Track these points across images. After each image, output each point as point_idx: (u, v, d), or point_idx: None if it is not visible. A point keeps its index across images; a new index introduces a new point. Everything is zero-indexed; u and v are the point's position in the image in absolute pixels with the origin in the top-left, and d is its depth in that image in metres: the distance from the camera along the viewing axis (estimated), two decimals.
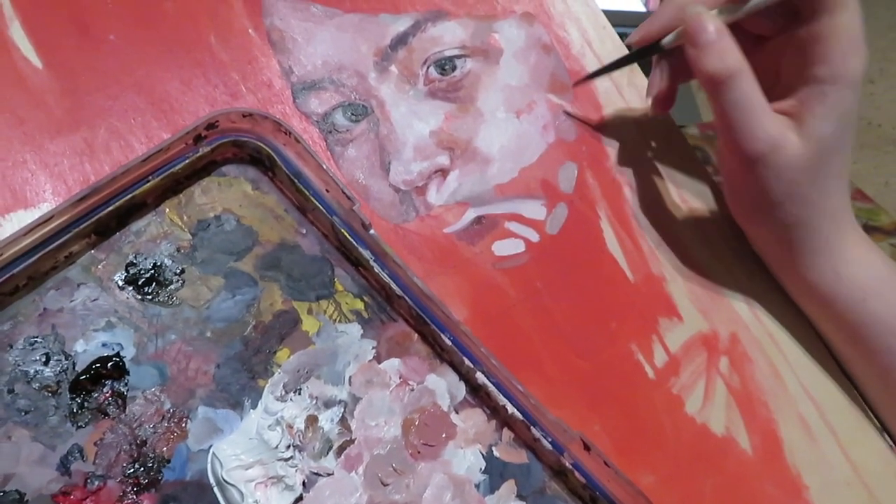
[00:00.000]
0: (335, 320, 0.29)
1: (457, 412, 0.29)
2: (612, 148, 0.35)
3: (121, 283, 0.28)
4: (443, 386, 0.29)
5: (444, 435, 0.28)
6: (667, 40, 0.31)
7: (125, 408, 0.26)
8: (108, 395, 0.26)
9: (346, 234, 0.29)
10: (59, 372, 0.26)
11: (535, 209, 0.33)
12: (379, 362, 0.29)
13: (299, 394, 0.28)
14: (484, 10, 0.36)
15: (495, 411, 0.29)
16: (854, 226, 0.31)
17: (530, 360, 0.31)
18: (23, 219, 0.27)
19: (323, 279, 0.30)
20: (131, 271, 0.28)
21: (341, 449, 0.28)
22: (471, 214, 0.32)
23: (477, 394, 0.29)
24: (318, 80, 0.33)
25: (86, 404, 0.26)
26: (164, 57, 0.31)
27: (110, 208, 0.27)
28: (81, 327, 0.27)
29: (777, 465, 0.31)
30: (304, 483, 0.27)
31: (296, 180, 0.29)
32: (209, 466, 0.26)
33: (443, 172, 0.33)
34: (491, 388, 0.28)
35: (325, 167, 0.29)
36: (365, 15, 0.34)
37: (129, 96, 0.30)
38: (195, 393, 0.27)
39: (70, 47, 0.30)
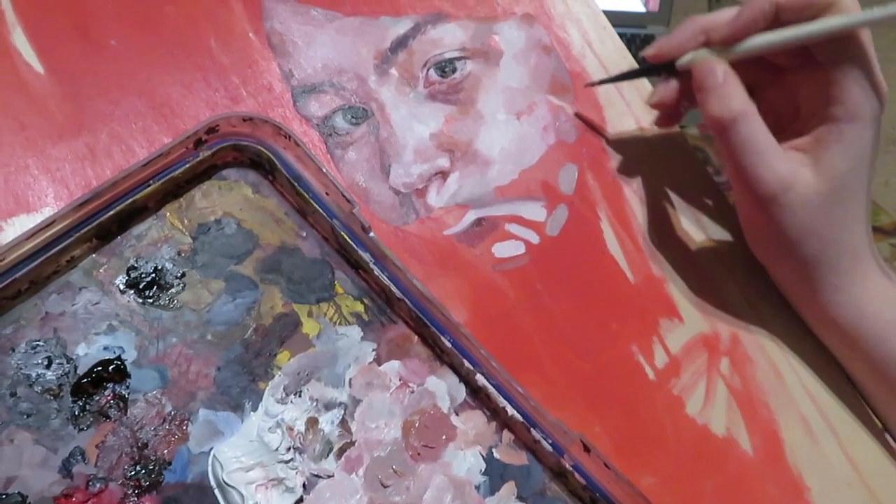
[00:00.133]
0: (335, 323, 0.29)
1: (457, 414, 0.29)
2: (612, 149, 0.35)
3: (122, 287, 0.28)
4: (443, 388, 0.29)
5: (444, 437, 0.28)
6: (681, 61, 0.31)
7: (126, 410, 0.27)
8: (109, 398, 0.27)
9: (346, 236, 0.29)
10: (61, 375, 0.26)
11: (535, 211, 0.33)
12: (379, 364, 0.29)
13: (300, 396, 0.28)
14: (484, 11, 0.36)
15: (495, 413, 0.29)
16: (876, 261, 0.31)
17: (530, 362, 0.31)
18: (25, 223, 0.28)
19: (323, 282, 0.30)
20: (132, 275, 0.28)
21: (342, 451, 0.28)
22: (471, 216, 0.33)
23: (477, 396, 0.29)
24: (318, 84, 0.33)
25: (87, 407, 0.26)
26: (165, 61, 0.31)
27: (112, 212, 0.28)
28: (83, 331, 0.27)
29: (778, 465, 0.31)
30: (304, 485, 0.27)
31: (296, 184, 0.30)
32: (210, 469, 0.26)
33: (443, 175, 0.33)
34: (491, 389, 0.29)
35: (325, 170, 0.29)
36: (365, 18, 0.34)
37: (130, 101, 0.30)
38: (196, 396, 0.27)
39: (71, 52, 0.30)
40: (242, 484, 0.26)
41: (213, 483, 0.26)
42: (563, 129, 0.35)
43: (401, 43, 0.34)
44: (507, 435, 0.29)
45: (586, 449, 0.28)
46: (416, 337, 0.30)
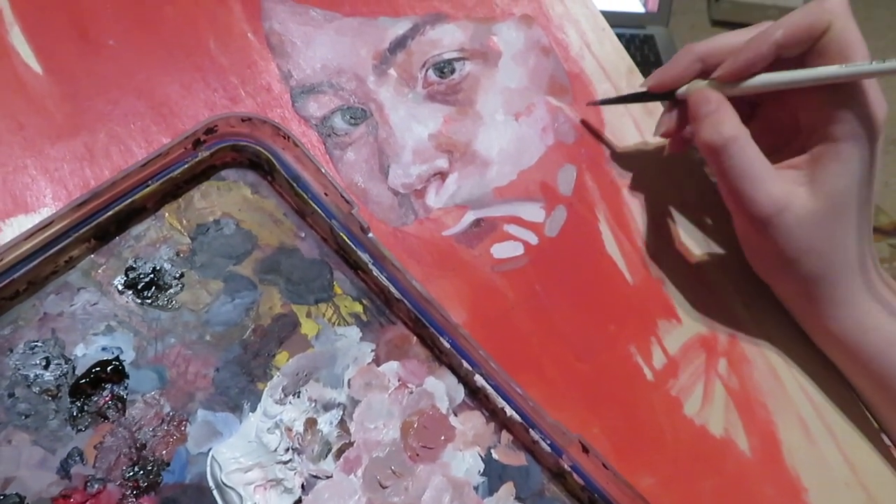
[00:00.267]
0: (334, 323, 0.29)
1: (455, 415, 0.29)
2: (610, 150, 0.35)
3: (120, 288, 0.28)
4: (441, 388, 0.29)
5: (442, 437, 0.28)
6: (680, 91, 0.31)
7: (125, 411, 0.26)
8: (107, 398, 0.26)
9: (344, 237, 0.29)
10: (59, 376, 0.26)
11: (533, 212, 0.33)
12: (378, 365, 0.29)
13: (298, 397, 0.28)
14: (483, 12, 0.36)
15: (494, 414, 0.29)
16: (876, 275, 0.31)
17: (529, 363, 0.31)
18: (23, 224, 0.28)
19: (322, 282, 0.30)
20: (131, 275, 0.28)
21: (340, 452, 0.28)
22: (470, 217, 0.33)
23: (476, 396, 0.29)
24: (316, 84, 0.33)
25: (86, 408, 0.26)
26: (164, 61, 0.31)
27: (110, 213, 0.28)
28: (81, 331, 0.27)
29: (776, 466, 0.31)
30: (303, 486, 0.27)
31: (295, 184, 0.30)
32: (208, 469, 0.26)
33: (442, 175, 0.33)
34: (490, 390, 0.29)
35: (323, 171, 0.29)
36: (364, 18, 0.34)
37: (128, 101, 0.30)
38: (194, 396, 0.27)
39: (70, 52, 0.30)
40: (241, 485, 0.26)
41: (211, 484, 0.26)
42: (561, 130, 0.35)
43: (399, 43, 0.34)
44: (505, 436, 0.29)
45: (585, 450, 0.28)
46: (415, 338, 0.30)
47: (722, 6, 1.22)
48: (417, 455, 0.28)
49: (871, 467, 0.32)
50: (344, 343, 0.29)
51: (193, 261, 0.29)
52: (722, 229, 0.35)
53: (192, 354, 0.28)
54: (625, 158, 0.35)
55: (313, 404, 0.28)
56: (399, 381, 0.29)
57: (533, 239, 0.33)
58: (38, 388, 0.26)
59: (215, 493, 0.26)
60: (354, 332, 0.29)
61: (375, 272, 0.29)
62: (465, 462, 0.28)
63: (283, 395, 0.28)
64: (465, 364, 0.29)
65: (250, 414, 0.27)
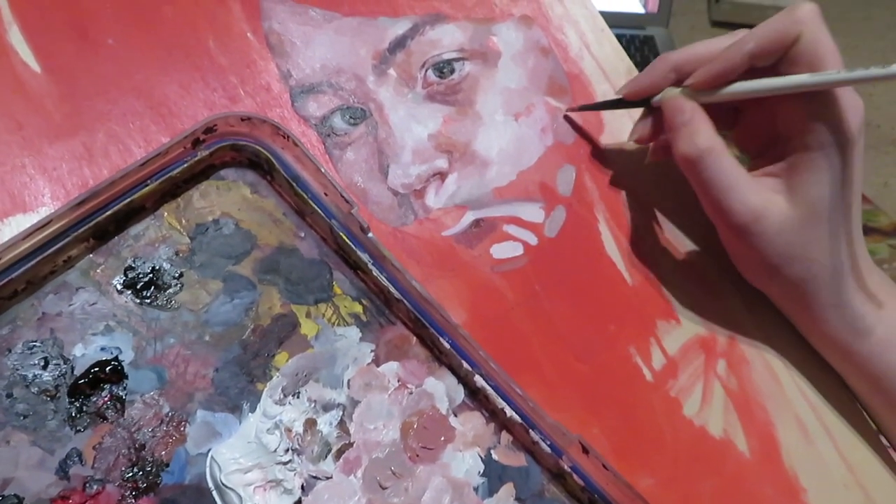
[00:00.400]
0: (334, 324, 0.29)
1: (455, 415, 0.29)
2: (610, 150, 0.35)
3: (119, 287, 0.28)
4: (441, 389, 0.29)
5: (442, 438, 0.28)
6: (655, 99, 0.32)
7: (124, 412, 0.26)
8: (106, 399, 0.26)
9: (344, 237, 0.29)
10: (58, 376, 0.26)
11: (533, 212, 0.33)
12: (377, 366, 0.29)
13: (298, 397, 0.28)
14: (482, 13, 0.36)
15: (494, 414, 0.29)
16: (869, 276, 0.31)
17: (529, 363, 0.31)
18: (21, 223, 0.27)
19: (321, 283, 0.30)
20: (130, 275, 0.28)
21: (340, 452, 0.28)
22: (469, 217, 0.33)
23: (475, 397, 0.29)
24: (316, 84, 0.33)
25: (84, 408, 0.26)
26: (163, 61, 0.31)
27: (109, 212, 0.28)
28: (80, 331, 0.27)
29: (774, 467, 0.31)
30: (302, 487, 0.27)
31: (294, 184, 0.29)
32: (208, 470, 0.26)
33: (441, 175, 0.33)
34: (489, 391, 0.29)
35: (323, 171, 0.29)
36: (363, 18, 0.34)
37: (127, 100, 0.30)
38: (194, 397, 0.27)
39: (69, 51, 0.30)
40: (240, 485, 0.26)
41: (210, 485, 0.26)
42: (560, 131, 0.35)
43: (399, 43, 0.34)
44: (505, 436, 0.29)
45: (585, 450, 0.28)
46: (415, 338, 0.30)
47: (722, 7, 1.23)
48: (417, 456, 0.28)
49: (869, 468, 0.32)
50: (343, 343, 0.29)
51: (193, 260, 0.29)
52: None
53: (191, 354, 0.28)
54: (624, 159, 0.35)
55: (313, 405, 0.28)
56: (399, 381, 0.29)
57: (532, 239, 0.33)
58: (36, 389, 0.26)
59: (215, 493, 0.26)
60: (354, 332, 0.29)
61: (375, 272, 0.29)
62: (464, 463, 0.28)
63: (282, 396, 0.28)
64: (465, 364, 0.29)
65: (250, 414, 0.27)
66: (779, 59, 0.28)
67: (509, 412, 0.28)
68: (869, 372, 0.31)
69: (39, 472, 0.25)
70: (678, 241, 0.34)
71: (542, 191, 0.34)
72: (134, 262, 0.28)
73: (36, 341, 0.26)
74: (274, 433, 0.27)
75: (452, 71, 0.34)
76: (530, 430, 0.28)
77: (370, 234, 0.29)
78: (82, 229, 0.27)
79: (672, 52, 0.31)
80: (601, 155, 0.35)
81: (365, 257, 0.29)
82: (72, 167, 0.29)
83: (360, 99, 0.33)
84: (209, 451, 0.26)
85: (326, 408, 0.28)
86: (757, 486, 0.31)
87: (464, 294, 0.31)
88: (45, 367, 0.26)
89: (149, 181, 0.28)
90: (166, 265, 0.29)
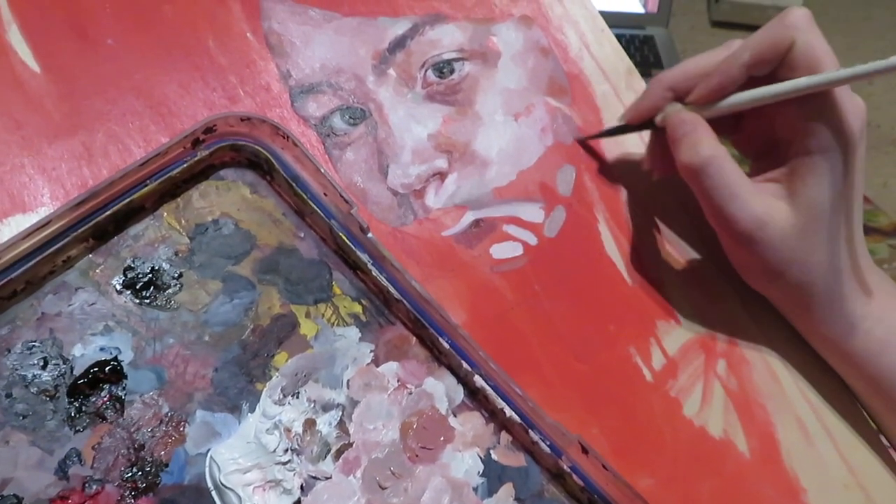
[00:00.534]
0: (333, 324, 0.29)
1: (455, 415, 0.29)
2: (609, 151, 0.35)
3: (119, 287, 0.28)
4: (441, 389, 0.29)
5: (442, 438, 0.28)
6: (658, 118, 0.32)
7: (123, 412, 0.26)
8: (105, 399, 0.26)
9: (344, 237, 0.29)
10: (57, 376, 0.26)
11: (533, 212, 0.33)
12: (377, 366, 0.29)
13: (297, 397, 0.28)
14: (482, 13, 0.36)
15: (493, 414, 0.29)
16: (870, 278, 0.31)
17: (528, 364, 0.31)
18: (21, 223, 0.27)
19: (321, 283, 0.30)
20: (129, 275, 0.28)
21: (339, 452, 0.28)
22: (469, 217, 0.33)
23: (475, 397, 0.29)
24: (316, 84, 0.33)
25: (84, 408, 0.26)
26: (163, 61, 0.31)
27: (108, 212, 0.27)
28: (79, 331, 0.27)
29: (774, 467, 0.31)
30: (302, 487, 0.27)
31: (294, 184, 0.29)
32: (207, 470, 0.26)
33: (441, 175, 0.33)
34: (489, 391, 0.29)
35: (323, 171, 0.29)
36: (363, 18, 0.34)
37: (127, 100, 0.30)
38: (193, 397, 0.27)
39: (68, 51, 0.30)
40: (240, 486, 0.26)
41: (210, 485, 0.26)
42: (560, 131, 0.35)
43: (399, 43, 0.34)
44: (505, 436, 0.29)
45: (584, 450, 0.28)
46: (415, 338, 0.30)
47: (721, 7, 1.23)
48: (417, 456, 0.28)
49: (869, 468, 0.32)
50: (343, 343, 0.29)
51: (192, 261, 0.29)
52: None
53: (190, 355, 0.28)
54: (624, 159, 0.35)
55: (312, 405, 0.28)
56: (398, 381, 0.29)
57: (532, 239, 0.33)
58: (35, 389, 0.26)
59: (214, 493, 0.26)
60: (353, 332, 0.29)
61: (375, 272, 0.29)
62: (464, 463, 0.28)
63: (282, 396, 0.28)
64: (465, 365, 0.29)
65: (249, 414, 0.27)
66: (776, 66, 0.28)
67: (509, 412, 0.28)
68: (868, 373, 0.31)
69: (38, 473, 0.25)
70: (678, 242, 0.34)
71: (541, 191, 0.34)
72: (133, 262, 0.28)
73: (35, 341, 0.26)
74: (273, 433, 0.27)
75: (452, 71, 0.34)
76: (530, 431, 0.28)
77: (370, 235, 0.29)
78: (82, 229, 0.27)
79: (665, 73, 0.31)
80: (601, 155, 0.35)
81: (364, 257, 0.29)
82: (71, 167, 0.29)
83: (359, 99, 0.33)
84: (208, 451, 0.26)
85: (326, 408, 0.28)
86: (757, 487, 0.30)
87: (463, 294, 0.31)
88: (44, 367, 0.26)
89: (148, 181, 0.28)
90: (166, 265, 0.29)
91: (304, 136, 0.32)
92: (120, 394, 0.27)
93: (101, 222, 0.28)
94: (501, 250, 0.32)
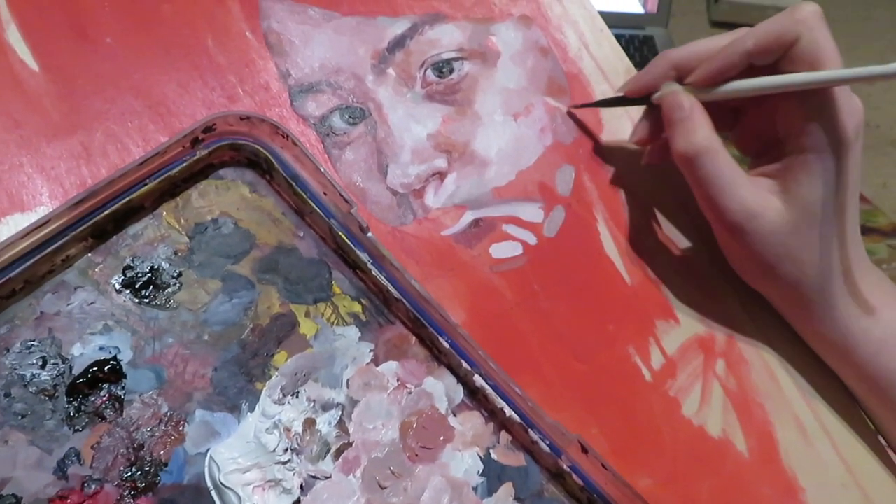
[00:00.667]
0: (333, 323, 0.29)
1: (454, 415, 0.29)
2: (609, 150, 0.35)
3: (118, 287, 0.28)
4: (440, 389, 0.29)
5: (441, 438, 0.28)
6: (655, 96, 0.32)
7: (122, 411, 0.26)
8: (105, 398, 0.26)
9: (343, 236, 0.29)
10: (56, 375, 0.26)
11: (532, 212, 0.33)
12: (377, 365, 0.29)
13: (297, 397, 0.28)
14: (481, 12, 0.36)
15: (493, 414, 0.29)
16: (866, 277, 0.31)
17: (528, 363, 0.31)
18: (19, 222, 0.27)
19: (320, 282, 0.30)
20: (128, 275, 0.28)
21: (339, 452, 0.28)
22: (468, 217, 0.33)
23: (475, 397, 0.29)
24: (315, 83, 0.33)
25: (83, 408, 0.26)
26: (162, 60, 0.31)
27: (107, 212, 0.27)
28: (78, 331, 0.27)
29: (773, 467, 0.31)
30: (301, 486, 0.27)
31: (293, 183, 0.29)
32: (206, 470, 0.26)
33: (440, 175, 0.33)
34: (489, 390, 0.29)
35: (322, 170, 0.29)
36: (362, 18, 0.34)
37: (126, 99, 0.30)
38: (192, 396, 0.27)
39: (67, 50, 0.30)
40: (239, 485, 0.26)
41: (209, 484, 0.26)
42: (560, 131, 0.35)
43: (398, 43, 0.34)
44: (504, 436, 0.29)
45: (584, 450, 0.28)
46: (414, 338, 0.30)
47: (721, 7, 1.23)
48: (416, 455, 0.28)
49: (867, 468, 0.32)
50: (343, 343, 0.29)
51: (191, 260, 0.29)
52: None
53: (190, 354, 0.28)
54: (623, 159, 0.35)
55: (312, 404, 0.28)
56: (398, 381, 0.29)
57: (531, 239, 0.33)
58: (34, 388, 0.26)
59: (213, 493, 0.26)
60: (353, 331, 0.29)
61: (374, 272, 0.29)
62: (463, 462, 0.28)
63: (281, 395, 0.28)
64: (464, 364, 0.29)
65: (249, 414, 0.27)
66: (779, 58, 0.28)
67: (508, 412, 0.28)
68: (865, 372, 0.31)
69: (37, 472, 0.25)
70: (677, 241, 0.34)
71: (541, 191, 0.34)
72: (132, 261, 0.28)
73: (34, 341, 0.26)
74: (273, 433, 0.27)
75: (451, 71, 0.34)
76: (529, 430, 0.28)
77: (369, 234, 0.29)
78: (81, 228, 0.27)
79: (672, 50, 0.31)
80: (600, 155, 0.35)
81: (364, 257, 0.29)
82: (70, 166, 0.29)
83: (359, 98, 0.33)
84: (208, 450, 0.26)
85: (325, 407, 0.28)
86: (755, 486, 0.31)
87: (463, 294, 0.31)
88: (43, 367, 0.26)
89: (147, 180, 0.28)
90: (165, 264, 0.29)
91: (303, 135, 0.32)
92: (119, 393, 0.27)
93: (100, 221, 0.27)
94: (501, 250, 0.32)
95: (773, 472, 0.31)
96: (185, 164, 0.29)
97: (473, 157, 0.33)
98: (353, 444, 0.28)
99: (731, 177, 0.29)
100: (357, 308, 0.30)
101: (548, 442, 0.28)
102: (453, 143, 0.33)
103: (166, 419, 0.27)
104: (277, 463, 0.27)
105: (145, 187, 0.28)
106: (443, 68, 0.34)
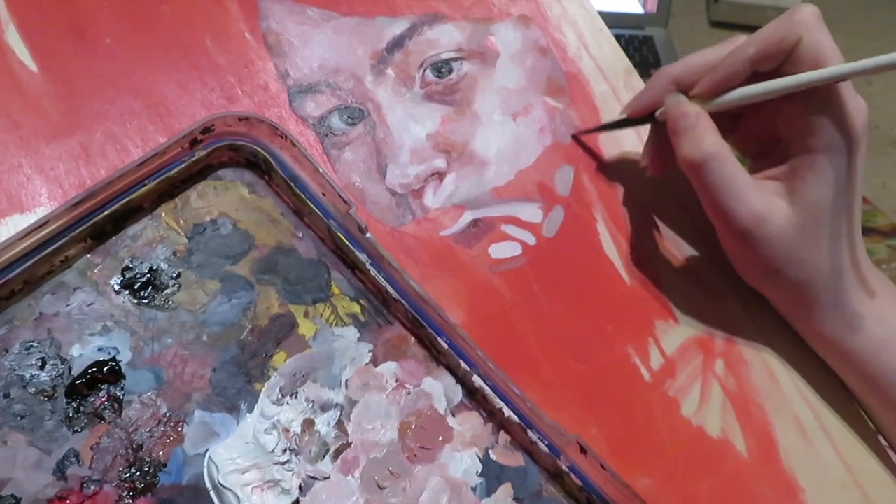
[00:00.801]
0: (332, 324, 0.29)
1: (453, 415, 0.29)
2: (608, 150, 0.35)
3: (117, 288, 0.28)
4: (439, 389, 0.29)
5: (440, 438, 0.28)
6: (659, 112, 0.31)
7: (121, 412, 0.26)
8: (104, 399, 0.26)
9: (342, 237, 0.29)
10: (55, 376, 0.26)
11: (531, 212, 0.33)
12: (375, 366, 0.29)
13: (296, 397, 0.28)
14: (480, 12, 0.36)
15: (492, 414, 0.29)
16: (868, 278, 0.31)
17: (527, 363, 0.31)
18: (18, 223, 0.27)
19: (319, 283, 0.30)
20: (127, 275, 0.28)
21: (338, 452, 0.28)
22: (467, 217, 0.33)
23: (473, 397, 0.29)
24: (314, 84, 0.33)
25: (82, 409, 0.26)
26: (161, 60, 0.31)
27: (106, 212, 0.27)
28: (77, 332, 0.27)
29: (773, 467, 0.31)
30: (300, 487, 0.27)
31: (292, 184, 0.29)
32: (205, 470, 0.26)
33: (439, 175, 0.33)
34: (487, 391, 0.29)
35: (321, 170, 0.29)
36: (361, 18, 0.34)
37: (125, 100, 0.30)
38: (191, 397, 0.27)
39: (66, 51, 0.30)
40: (238, 486, 0.26)
41: (208, 485, 0.26)
42: (559, 131, 0.35)
43: (397, 43, 0.34)
44: (503, 436, 0.29)
45: (583, 450, 0.28)
46: (413, 338, 0.30)
47: (720, 7, 1.23)
48: (415, 456, 0.28)
49: (867, 468, 0.32)
50: (341, 343, 0.29)
51: (190, 261, 0.29)
52: None
53: (188, 355, 0.28)
54: (622, 159, 0.35)
55: (311, 405, 0.28)
56: (397, 381, 0.29)
57: (531, 239, 0.33)
58: (33, 389, 0.26)
59: (212, 494, 0.26)
60: (352, 332, 0.29)
61: (373, 272, 0.29)
62: (462, 463, 0.28)
63: (280, 396, 0.28)
64: (463, 364, 0.29)
65: (247, 415, 0.27)
66: (781, 62, 0.28)
67: (507, 412, 0.28)
68: (866, 372, 0.31)
69: (37, 473, 0.25)
70: (676, 242, 0.34)
71: (540, 191, 0.34)
72: (131, 262, 0.28)
73: (33, 341, 0.26)
74: (272, 433, 0.27)
75: (450, 71, 0.34)
76: (528, 430, 0.28)
77: (368, 234, 0.29)
78: (80, 229, 0.27)
79: (670, 66, 0.31)
80: (599, 155, 0.35)
81: (363, 257, 0.29)
82: (69, 167, 0.29)
83: (358, 99, 0.33)
84: (207, 451, 0.26)
85: (324, 408, 0.28)
86: (755, 486, 0.31)
87: (462, 294, 0.31)
88: (42, 368, 0.26)
89: (146, 181, 0.28)
90: (164, 265, 0.29)
91: (302, 135, 0.32)
92: (118, 394, 0.27)
93: (99, 222, 0.28)
94: (500, 250, 0.32)
95: (773, 472, 0.31)
96: (183, 165, 0.29)
97: (472, 157, 0.33)
98: (352, 445, 0.28)
99: (738, 182, 0.29)
100: (356, 308, 0.30)
101: (546, 442, 0.28)
102: (452, 143, 0.33)
103: (165, 420, 0.27)
104: (276, 463, 0.27)
105: (144, 188, 0.28)
106: (442, 68, 0.34)
